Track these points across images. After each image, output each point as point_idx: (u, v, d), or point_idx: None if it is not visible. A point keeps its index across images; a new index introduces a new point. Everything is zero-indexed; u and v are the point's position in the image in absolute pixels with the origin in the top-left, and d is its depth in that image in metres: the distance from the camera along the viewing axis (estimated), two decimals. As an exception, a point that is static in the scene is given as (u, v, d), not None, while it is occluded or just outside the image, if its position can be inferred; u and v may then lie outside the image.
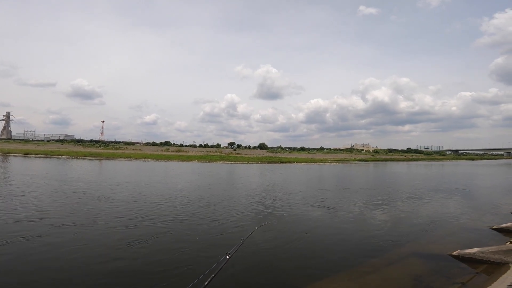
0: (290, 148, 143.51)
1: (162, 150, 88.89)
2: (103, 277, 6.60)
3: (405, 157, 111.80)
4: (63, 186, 19.19)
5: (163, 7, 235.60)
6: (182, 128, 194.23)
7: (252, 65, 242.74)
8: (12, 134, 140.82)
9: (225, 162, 58.51)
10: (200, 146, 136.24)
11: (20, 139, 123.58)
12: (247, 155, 77.59)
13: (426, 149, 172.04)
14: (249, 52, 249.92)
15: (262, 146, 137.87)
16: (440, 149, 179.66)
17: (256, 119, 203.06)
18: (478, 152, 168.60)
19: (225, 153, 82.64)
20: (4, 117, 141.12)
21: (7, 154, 56.91)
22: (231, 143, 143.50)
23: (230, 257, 4.03)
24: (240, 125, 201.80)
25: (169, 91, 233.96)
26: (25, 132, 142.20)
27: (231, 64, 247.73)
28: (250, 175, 33.72)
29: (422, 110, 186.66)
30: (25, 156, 53.52)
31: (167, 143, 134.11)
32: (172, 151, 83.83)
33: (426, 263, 8.11)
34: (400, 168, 58.59)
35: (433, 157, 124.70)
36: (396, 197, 19.60)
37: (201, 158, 62.31)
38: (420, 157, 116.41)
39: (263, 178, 29.87)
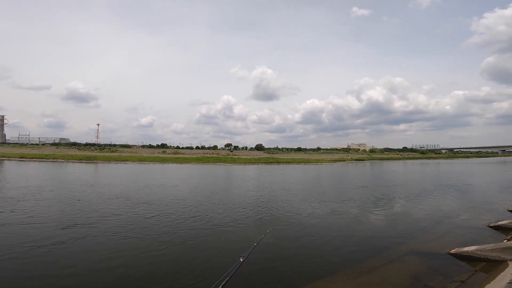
0: (287, 149, 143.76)
1: (158, 152, 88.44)
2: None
3: (401, 156, 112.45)
4: (102, 192, 18.77)
5: (158, 8, 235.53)
6: (178, 130, 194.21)
7: (248, 66, 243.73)
8: (7, 138, 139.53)
9: (222, 163, 58.32)
10: (197, 148, 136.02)
11: (15, 143, 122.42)
12: (244, 157, 77.45)
13: (422, 148, 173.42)
14: (245, 53, 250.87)
15: (259, 147, 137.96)
16: (436, 148, 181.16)
17: (252, 120, 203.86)
18: (473, 150, 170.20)
19: (222, 155, 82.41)
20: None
21: (2, 158, 56.19)
22: (228, 145, 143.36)
23: (244, 260, 4.06)
24: (237, 127, 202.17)
25: (164, 93, 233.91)
26: (20, 136, 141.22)
27: (227, 65, 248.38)
28: (254, 177, 33.30)
29: (416, 109, 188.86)
30: (19, 160, 52.91)
31: (163, 146, 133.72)
32: (168, 154, 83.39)
33: (424, 261, 8.11)
34: (396, 166, 58.87)
35: (429, 155, 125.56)
36: (392, 195, 19.65)
37: (198, 160, 62.06)
38: (416, 156, 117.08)
39: (265, 180, 29.57)
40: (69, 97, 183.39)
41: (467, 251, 8.26)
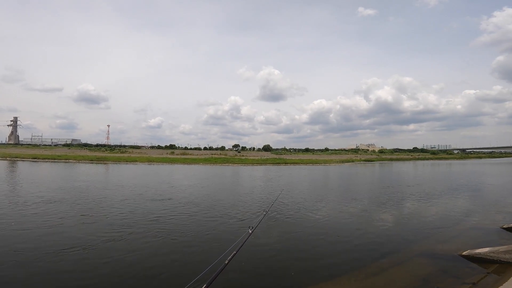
0: (295, 150, 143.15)
1: (167, 153, 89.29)
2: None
3: (411, 157, 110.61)
4: (141, 193, 19.01)
5: (164, 10, 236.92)
6: (186, 131, 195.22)
7: (254, 66, 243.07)
8: (20, 139, 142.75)
9: (230, 164, 58.55)
10: (205, 148, 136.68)
11: (28, 144, 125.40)
12: (251, 157, 77.54)
13: (433, 148, 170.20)
14: (251, 54, 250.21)
15: (266, 148, 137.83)
16: (447, 148, 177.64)
17: (259, 121, 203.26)
18: (486, 150, 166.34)
19: (230, 156, 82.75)
20: (12, 122, 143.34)
21: (15, 158, 57.74)
22: (236, 145, 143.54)
23: (253, 231, 4.16)
24: (244, 127, 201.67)
25: (172, 94, 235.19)
26: (33, 137, 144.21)
27: (233, 66, 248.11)
28: (269, 178, 33.28)
29: (426, 109, 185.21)
30: (32, 161, 54.24)
31: (172, 146, 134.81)
32: (177, 154, 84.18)
33: (435, 263, 7.96)
34: (406, 167, 57.97)
35: (440, 156, 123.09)
36: (403, 196, 19.34)
37: (206, 161, 62.46)
38: (426, 157, 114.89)
39: (283, 180, 29.56)
40: (80, 98, 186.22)
41: (480, 253, 8.08)
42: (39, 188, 20.08)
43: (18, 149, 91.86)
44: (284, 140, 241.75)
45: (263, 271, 7.30)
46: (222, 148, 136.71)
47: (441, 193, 20.85)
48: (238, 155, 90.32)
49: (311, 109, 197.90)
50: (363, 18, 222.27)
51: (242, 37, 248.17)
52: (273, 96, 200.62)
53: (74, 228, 10.56)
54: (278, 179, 30.25)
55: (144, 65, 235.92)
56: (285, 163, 62.99)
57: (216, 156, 78.69)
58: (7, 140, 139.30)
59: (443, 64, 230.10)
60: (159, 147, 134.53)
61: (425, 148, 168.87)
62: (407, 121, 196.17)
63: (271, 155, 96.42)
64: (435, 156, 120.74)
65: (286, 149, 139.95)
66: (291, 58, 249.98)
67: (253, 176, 34.07)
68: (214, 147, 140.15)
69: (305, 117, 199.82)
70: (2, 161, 53.30)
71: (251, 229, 4.17)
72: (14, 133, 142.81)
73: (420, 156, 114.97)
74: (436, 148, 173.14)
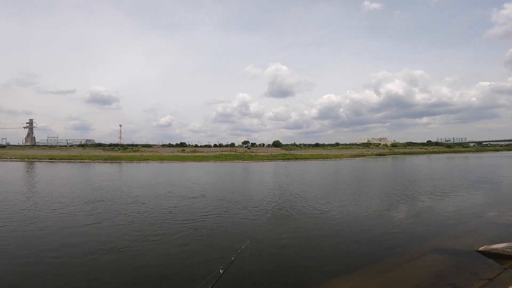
0: (305, 145, 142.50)
1: (178, 151, 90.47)
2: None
3: (425, 150, 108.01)
4: (172, 190, 19.47)
5: (172, 11, 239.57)
6: (196, 129, 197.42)
7: (262, 64, 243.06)
8: (36, 140, 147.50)
9: (240, 161, 58.79)
10: (215, 146, 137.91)
11: (44, 145, 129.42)
12: (262, 153, 77.53)
13: (448, 141, 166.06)
14: (258, 51, 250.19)
15: (276, 144, 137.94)
16: (463, 141, 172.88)
17: (268, 117, 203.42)
18: (503, 143, 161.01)
19: (240, 152, 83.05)
20: (28, 124, 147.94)
21: (33, 160, 59.62)
22: (245, 142, 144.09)
23: (223, 273, 4.06)
24: (253, 124, 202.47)
25: (181, 93, 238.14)
26: (49, 138, 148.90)
27: (240, 64, 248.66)
28: (284, 174, 33.32)
29: (439, 101, 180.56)
30: (50, 161, 55.89)
31: (182, 144, 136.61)
32: (187, 152, 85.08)
33: (450, 259, 7.85)
34: (420, 161, 56.75)
35: (456, 149, 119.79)
36: (417, 190, 19.03)
37: (216, 158, 62.85)
38: (441, 150, 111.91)
39: (303, 176, 29.51)
40: (92, 100, 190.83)
41: (496, 249, 7.92)
42: (72, 188, 20.67)
43: (35, 150, 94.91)
44: (294, 136, 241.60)
45: (269, 268, 7.37)
46: (232, 145, 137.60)
47: (458, 187, 20.41)
48: (248, 151, 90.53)
49: (320, 104, 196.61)
50: (369, 12, 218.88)
51: (248, 36, 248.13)
52: (281, 92, 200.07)
53: (122, 227, 10.93)
54: (293, 175, 30.19)
55: (153, 66, 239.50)
56: (296, 159, 62.75)
57: (226, 153, 79.12)
58: (24, 142, 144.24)
59: (455, 57, 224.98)
60: (170, 146, 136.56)
61: (439, 141, 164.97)
62: (419, 114, 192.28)
63: (281, 150, 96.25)
64: (451, 149, 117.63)
65: (296, 145, 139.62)
66: (298, 55, 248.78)
67: (268, 173, 34.18)
68: (224, 144, 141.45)
69: (314, 112, 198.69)
70: (21, 162, 55.20)
71: (222, 270, 4.08)
72: (30, 135, 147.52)
73: (434, 150, 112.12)
74: (451, 141, 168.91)
